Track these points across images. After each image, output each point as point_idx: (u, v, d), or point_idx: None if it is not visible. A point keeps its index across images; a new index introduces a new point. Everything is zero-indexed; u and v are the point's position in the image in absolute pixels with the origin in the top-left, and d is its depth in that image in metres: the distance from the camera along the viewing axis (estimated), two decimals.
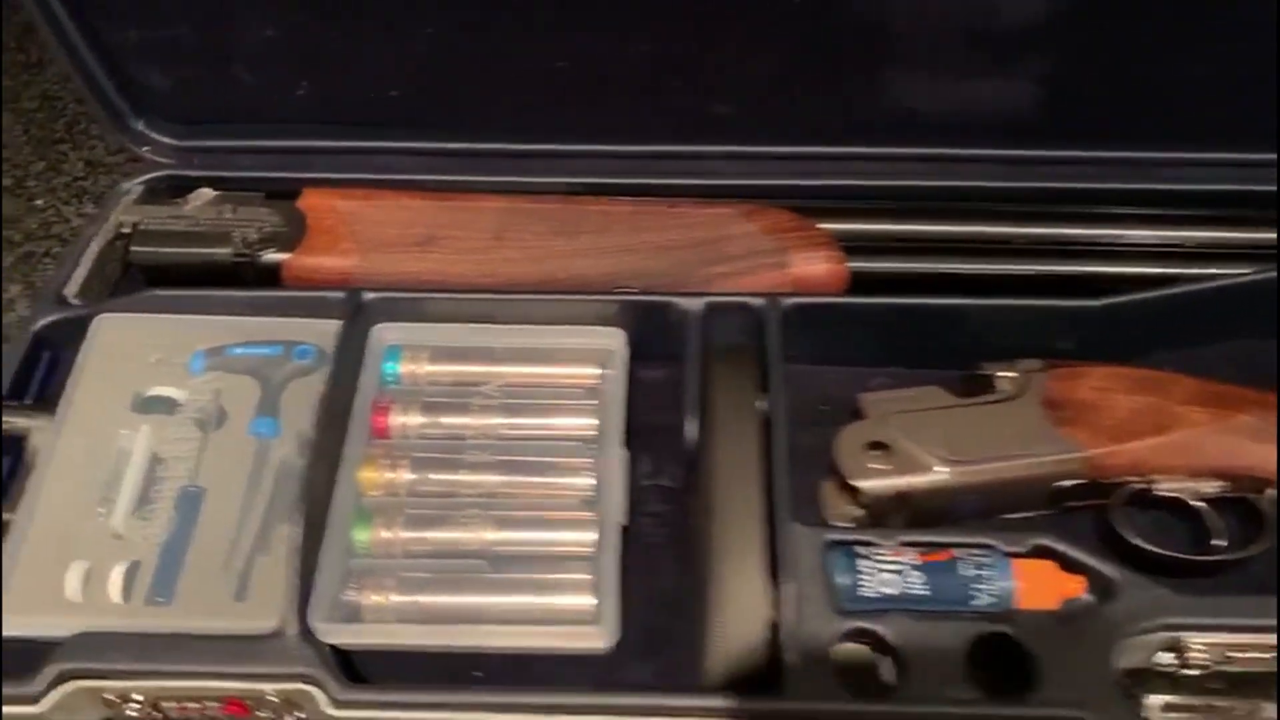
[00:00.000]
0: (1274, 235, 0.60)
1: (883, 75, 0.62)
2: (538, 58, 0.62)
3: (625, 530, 0.52)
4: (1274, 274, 0.57)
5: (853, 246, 0.61)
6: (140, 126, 0.66)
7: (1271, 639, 0.47)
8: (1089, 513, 0.54)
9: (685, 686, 0.46)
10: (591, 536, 0.50)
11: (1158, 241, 0.62)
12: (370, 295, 0.56)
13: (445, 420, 0.54)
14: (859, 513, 0.53)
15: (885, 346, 0.59)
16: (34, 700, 0.45)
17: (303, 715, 0.47)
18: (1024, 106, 0.63)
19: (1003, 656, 0.47)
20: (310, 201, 0.61)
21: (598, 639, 0.47)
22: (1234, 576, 0.51)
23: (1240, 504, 0.53)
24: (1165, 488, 0.52)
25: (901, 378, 0.59)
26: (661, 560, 0.52)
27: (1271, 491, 0.51)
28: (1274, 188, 0.63)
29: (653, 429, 0.57)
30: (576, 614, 0.48)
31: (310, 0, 0.61)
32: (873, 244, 0.61)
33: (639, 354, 0.57)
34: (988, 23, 0.60)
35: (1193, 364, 0.58)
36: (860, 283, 0.60)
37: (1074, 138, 0.64)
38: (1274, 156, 0.63)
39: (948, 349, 0.58)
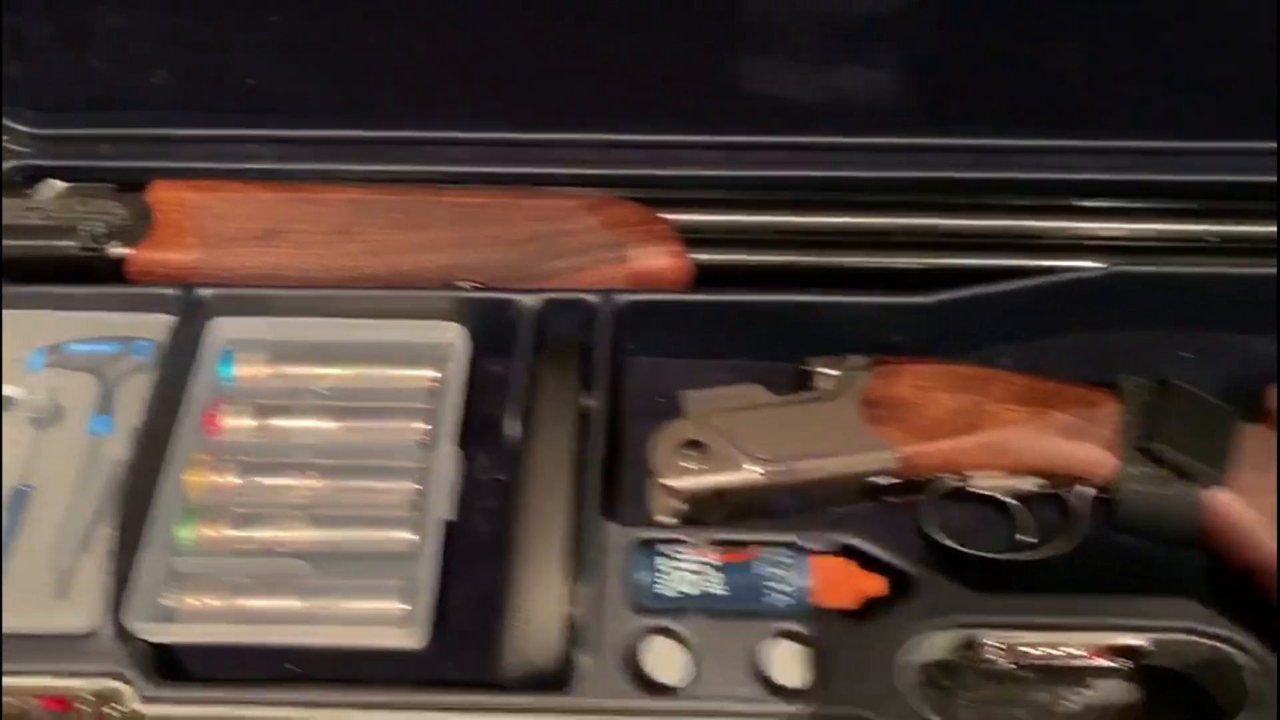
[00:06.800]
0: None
1: (735, 61, 0.62)
2: (388, 44, 0.62)
3: (457, 526, 0.53)
4: (1103, 271, 0.58)
5: (703, 239, 0.61)
6: None
7: (1062, 636, 0.48)
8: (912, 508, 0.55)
9: (475, 683, 0.48)
10: (408, 536, 0.51)
11: (1018, 232, 0.61)
12: (206, 291, 0.57)
13: (277, 423, 0.55)
14: (684, 509, 0.54)
15: (726, 340, 0.59)
16: None
17: (118, 709, 0.49)
18: (880, 94, 0.63)
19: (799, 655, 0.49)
20: (158, 194, 0.61)
21: (407, 639, 0.48)
22: (1041, 574, 0.52)
23: (1056, 500, 0.54)
24: (981, 484, 0.53)
25: (745, 370, 0.60)
26: (487, 556, 0.54)
27: (1081, 489, 0.52)
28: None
29: (493, 424, 0.58)
30: (388, 615, 0.49)
31: None
32: (723, 236, 0.62)
33: (486, 348, 0.58)
34: (840, 7, 0.60)
35: (1031, 356, 0.59)
36: (710, 275, 0.60)
37: (933, 125, 0.64)
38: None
39: (786, 343, 0.58)
